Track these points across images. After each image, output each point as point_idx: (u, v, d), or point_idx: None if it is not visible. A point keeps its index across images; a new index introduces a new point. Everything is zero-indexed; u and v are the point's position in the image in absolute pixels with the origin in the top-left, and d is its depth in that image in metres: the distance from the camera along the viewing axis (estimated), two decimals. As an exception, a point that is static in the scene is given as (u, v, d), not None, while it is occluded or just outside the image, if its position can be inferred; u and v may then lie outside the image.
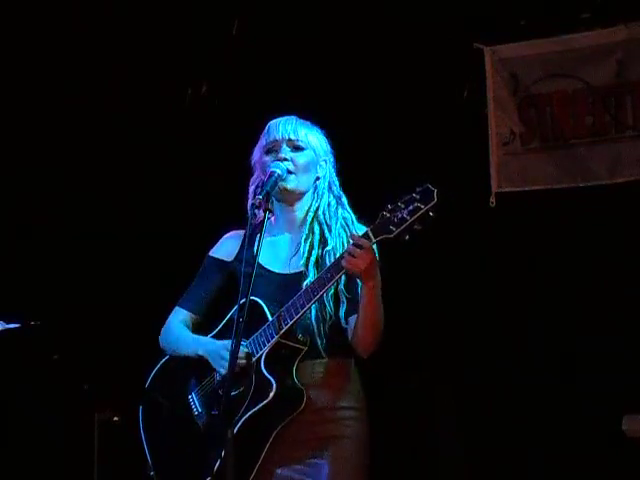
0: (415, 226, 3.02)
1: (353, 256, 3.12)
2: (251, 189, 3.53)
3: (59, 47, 5.64)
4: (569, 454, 5.05)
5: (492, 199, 5.33)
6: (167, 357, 3.55)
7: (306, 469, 3.30)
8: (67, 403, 5.36)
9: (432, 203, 3.00)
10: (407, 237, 3.05)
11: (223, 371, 3.26)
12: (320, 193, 3.49)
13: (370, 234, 3.11)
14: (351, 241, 3.17)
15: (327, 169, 3.52)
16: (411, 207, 3.01)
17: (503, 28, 5.28)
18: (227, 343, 3.24)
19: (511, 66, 5.36)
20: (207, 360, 3.37)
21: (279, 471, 3.31)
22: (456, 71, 5.29)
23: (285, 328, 3.23)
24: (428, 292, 5.23)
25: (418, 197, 3.01)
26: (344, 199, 3.52)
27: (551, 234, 5.18)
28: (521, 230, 5.21)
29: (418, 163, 5.16)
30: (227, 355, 3.17)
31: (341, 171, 3.59)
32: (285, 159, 3.43)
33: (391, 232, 3.05)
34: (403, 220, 3.02)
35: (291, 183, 3.43)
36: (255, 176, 3.53)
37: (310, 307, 3.24)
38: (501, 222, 5.23)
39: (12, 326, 5.06)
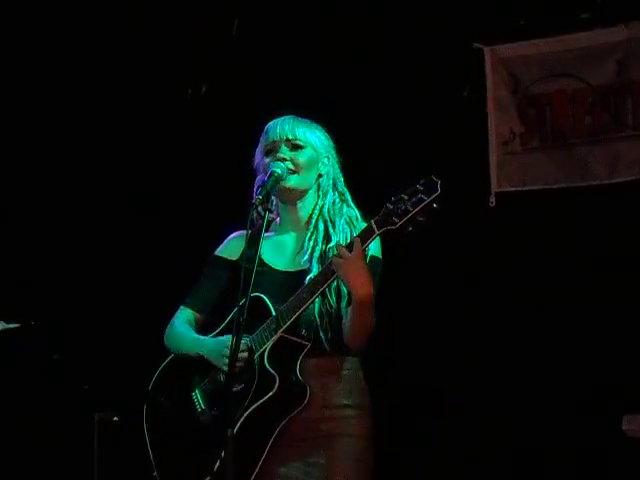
0: (419, 217, 3.00)
1: (340, 257, 3.13)
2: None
3: (59, 47, 5.65)
4: (569, 454, 5.05)
5: (492, 199, 5.33)
6: (171, 356, 3.54)
7: (309, 468, 3.29)
8: (67, 403, 5.35)
9: (435, 194, 2.98)
10: (410, 229, 3.03)
11: (225, 368, 3.21)
12: (324, 191, 3.47)
13: (374, 226, 3.09)
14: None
15: (329, 166, 3.50)
16: (415, 199, 3.00)
17: (503, 28, 5.29)
18: (226, 339, 3.24)
19: (511, 66, 5.37)
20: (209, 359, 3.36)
21: (282, 470, 3.30)
22: (456, 71, 5.29)
23: (288, 322, 3.22)
24: (427, 292, 5.23)
25: (422, 189, 3.00)
26: (348, 195, 3.50)
27: (551, 234, 5.18)
28: (521, 230, 5.21)
29: (418, 163, 5.16)
30: (227, 352, 3.15)
31: (341, 170, 3.58)
32: (284, 159, 3.41)
33: (394, 223, 3.02)
34: (406, 212, 3.00)
35: (292, 182, 3.42)
36: (258, 178, 3.52)
37: (312, 301, 3.22)
38: (501, 222, 5.23)
39: (12, 326, 5.05)
